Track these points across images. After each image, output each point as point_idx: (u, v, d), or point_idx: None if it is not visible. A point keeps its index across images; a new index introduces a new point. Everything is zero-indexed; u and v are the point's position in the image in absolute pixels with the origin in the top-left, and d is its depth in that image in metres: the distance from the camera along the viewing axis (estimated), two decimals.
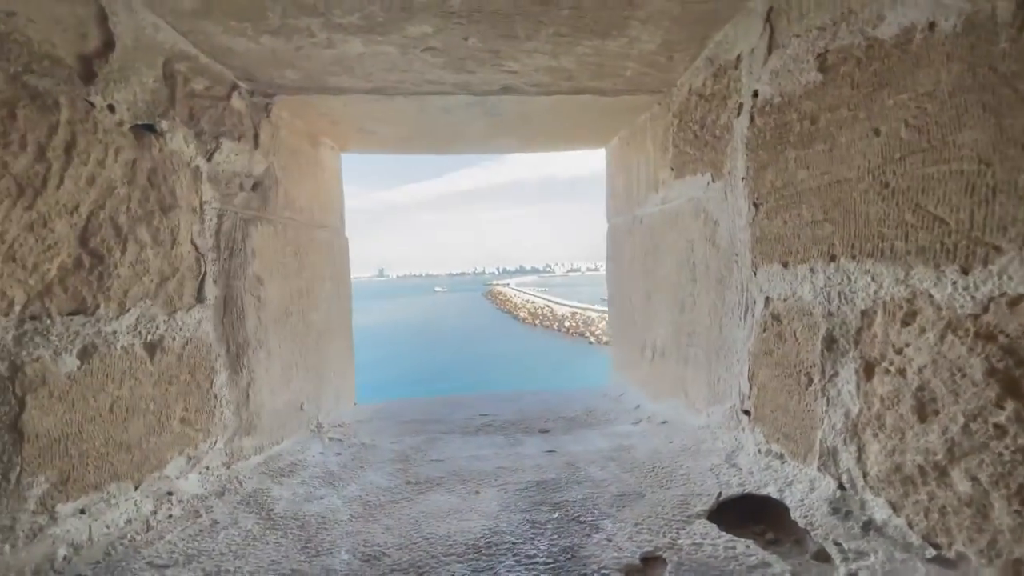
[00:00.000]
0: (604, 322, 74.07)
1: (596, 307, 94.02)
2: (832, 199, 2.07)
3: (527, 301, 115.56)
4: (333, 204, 3.74)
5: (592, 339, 71.38)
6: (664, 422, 3.16)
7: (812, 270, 2.16)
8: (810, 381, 2.18)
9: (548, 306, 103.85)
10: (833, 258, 2.07)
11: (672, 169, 3.14)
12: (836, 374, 2.08)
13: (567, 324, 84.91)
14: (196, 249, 2.50)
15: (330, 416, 3.50)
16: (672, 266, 3.20)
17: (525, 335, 77.50)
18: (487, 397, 4.13)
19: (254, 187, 2.87)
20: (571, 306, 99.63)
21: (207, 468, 2.54)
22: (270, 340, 2.94)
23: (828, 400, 2.12)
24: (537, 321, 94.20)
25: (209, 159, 2.58)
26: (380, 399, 4.19)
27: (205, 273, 2.54)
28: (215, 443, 2.58)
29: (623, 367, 4.06)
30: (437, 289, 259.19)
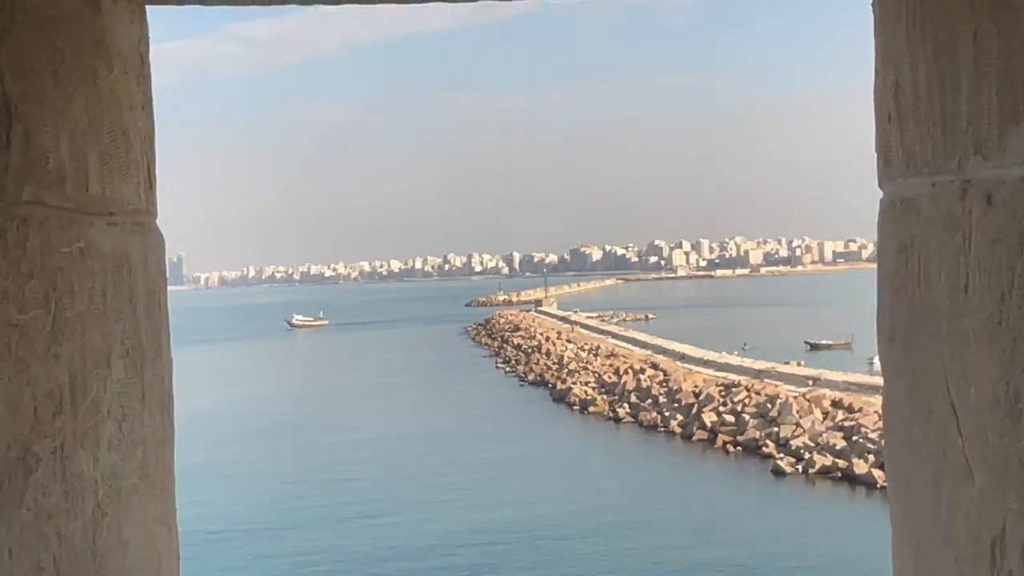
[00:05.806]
0: (825, 412, 33.07)
1: (792, 364, 43.36)
2: None
3: (593, 348, 58.97)
4: (132, 151, 1.68)
5: (784, 459, 30.75)
6: None
7: None
8: None
9: (652, 364, 47.43)
10: None
11: None
12: None
13: (713, 417, 37.21)
14: None
15: None
16: None
17: (599, 458, 34.15)
18: None
19: None
20: (716, 365, 45.32)
21: None
22: None
23: None
24: (624, 408, 42.45)
25: None
26: None
27: None
28: None
29: None
30: (297, 320, 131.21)
